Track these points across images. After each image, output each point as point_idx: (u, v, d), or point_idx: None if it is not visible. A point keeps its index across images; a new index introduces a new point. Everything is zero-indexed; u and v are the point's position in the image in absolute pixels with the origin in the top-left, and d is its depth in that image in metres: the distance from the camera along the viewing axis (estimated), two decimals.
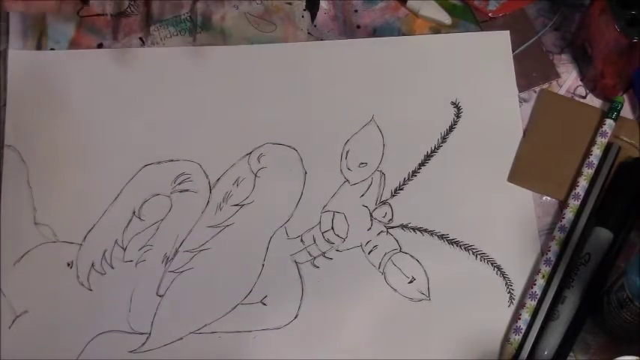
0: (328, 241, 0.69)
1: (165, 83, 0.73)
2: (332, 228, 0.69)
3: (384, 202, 0.70)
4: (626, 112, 0.72)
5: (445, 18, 0.76)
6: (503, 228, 0.69)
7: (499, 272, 0.68)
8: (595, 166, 0.69)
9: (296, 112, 0.72)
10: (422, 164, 0.71)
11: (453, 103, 0.73)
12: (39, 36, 0.75)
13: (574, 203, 0.68)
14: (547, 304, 0.66)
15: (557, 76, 0.74)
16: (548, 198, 0.70)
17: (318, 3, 0.77)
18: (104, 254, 0.68)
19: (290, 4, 0.77)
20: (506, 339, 0.65)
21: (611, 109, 0.71)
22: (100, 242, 0.68)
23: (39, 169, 0.71)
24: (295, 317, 0.67)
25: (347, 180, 0.70)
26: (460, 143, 0.72)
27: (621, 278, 0.59)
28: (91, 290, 0.67)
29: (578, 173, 0.70)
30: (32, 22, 0.75)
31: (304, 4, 0.77)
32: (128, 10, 0.77)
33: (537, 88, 0.74)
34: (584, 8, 0.74)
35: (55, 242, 0.69)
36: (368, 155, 0.71)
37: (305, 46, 0.75)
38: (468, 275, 0.68)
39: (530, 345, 0.65)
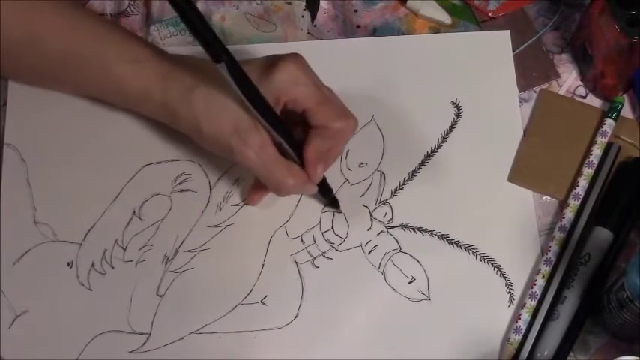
0: (328, 241, 0.69)
1: None
2: (332, 228, 0.69)
3: (384, 202, 0.70)
4: (626, 112, 0.72)
5: (445, 18, 0.76)
6: (503, 228, 0.69)
7: (499, 272, 0.68)
8: (595, 166, 0.69)
9: None
10: (422, 164, 0.71)
11: (453, 103, 0.73)
12: None
13: (574, 203, 0.68)
14: (547, 304, 0.66)
15: (557, 76, 0.74)
16: (548, 198, 0.70)
17: (318, 3, 0.77)
18: (104, 254, 0.68)
19: (290, 4, 0.77)
20: (506, 339, 0.65)
21: (611, 109, 0.71)
22: (100, 242, 0.68)
23: (39, 169, 0.70)
24: (295, 317, 0.67)
25: (347, 180, 0.70)
26: (460, 143, 0.72)
27: (621, 278, 0.59)
28: (91, 290, 0.67)
29: (578, 173, 0.70)
30: None
31: (304, 4, 0.77)
32: (128, 10, 0.76)
33: (537, 88, 0.74)
34: (584, 8, 0.74)
35: (54, 242, 0.69)
36: (368, 155, 0.71)
37: (305, 45, 0.75)
38: (468, 275, 0.68)
39: (530, 345, 0.65)
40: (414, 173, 0.71)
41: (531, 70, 0.74)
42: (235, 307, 0.67)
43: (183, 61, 0.65)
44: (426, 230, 0.69)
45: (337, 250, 0.69)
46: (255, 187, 0.68)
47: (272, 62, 0.61)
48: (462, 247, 0.68)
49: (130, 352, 0.66)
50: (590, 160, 0.69)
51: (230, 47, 0.54)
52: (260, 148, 0.60)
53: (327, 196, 0.68)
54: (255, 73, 0.60)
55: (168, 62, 0.65)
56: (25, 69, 0.69)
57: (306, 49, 0.74)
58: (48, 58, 0.66)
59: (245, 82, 0.57)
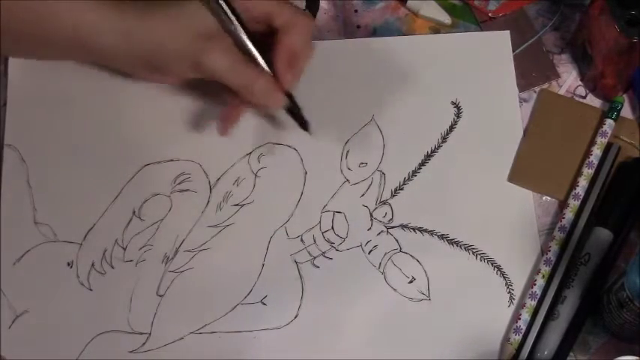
0: (328, 241, 0.69)
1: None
2: (332, 228, 0.69)
3: (384, 202, 0.70)
4: (626, 112, 0.72)
5: (445, 18, 0.76)
6: (503, 228, 0.69)
7: (499, 272, 0.68)
8: (595, 166, 0.69)
9: None
10: (422, 164, 0.71)
11: (453, 103, 0.73)
12: None
13: (574, 203, 0.68)
14: (547, 304, 0.66)
15: (557, 76, 0.74)
16: (548, 198, 0.70)
17: (318, 3, 0.77)
18: (104, 254, 0.68)
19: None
20: (506, 339, 0.65)
21: (611, 109, 0.71)
22: (100, 242, 0.68)
23: (39, 169, 0.70)
24: (295, 317, 0.67)
25: (347, 180, 0.70)
26: (460, 143, 0.72)
27: (621, 278, 0.59)
28: (91, 290, 0.67)
29: (578, 173, 0.70)
30: None
31: (304, 4, 0.77)
32: None
33: (537, 88, 0.74)
34: (584, 8, 0.74)
35: (55, 242, 0.69)
36: (368, 155, 0.71)
37: None
38: (468, 275, 0.68)
39: (530, 345, 0.65)
40: (414, 173, 0.71)
41: (531, 70, 0.74)
42: (235, 307, 0.67)
43: None
44: (426, 230, 0.69)
45: (337, 250, 0.69)
46: (224, 113, 0.67)
47: None
48: (462, 247, 0.68)
49: (130, 352, 0.66)
50: (590, 160, 0.69)
51: None
52: (227, 49, 0.60)
53: (296, 113, 0.67)
54: None
55: None
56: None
57: None
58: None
59: None
